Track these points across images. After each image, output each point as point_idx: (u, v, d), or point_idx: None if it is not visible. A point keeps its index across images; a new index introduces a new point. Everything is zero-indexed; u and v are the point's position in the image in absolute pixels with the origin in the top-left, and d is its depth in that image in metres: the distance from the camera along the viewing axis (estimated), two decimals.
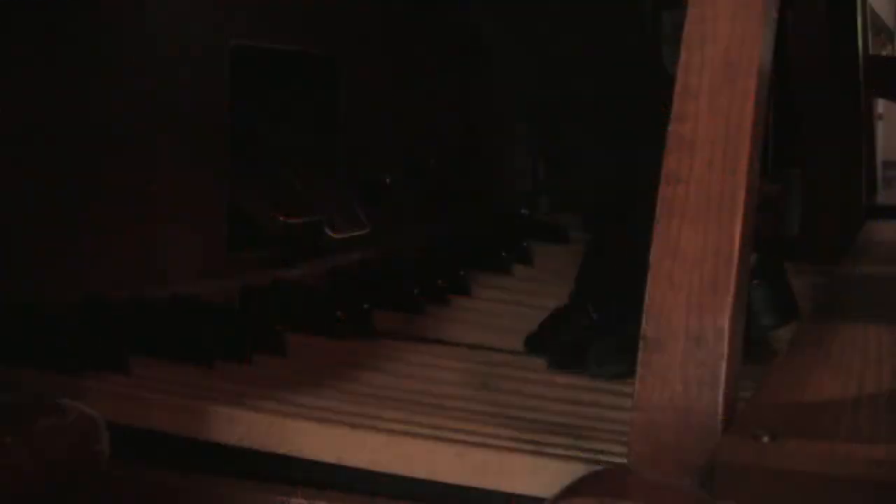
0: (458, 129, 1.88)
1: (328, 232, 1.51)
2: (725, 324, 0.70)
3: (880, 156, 3.18)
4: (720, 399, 0.69)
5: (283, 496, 0.84)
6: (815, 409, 0.75)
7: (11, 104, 1.12)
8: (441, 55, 1.80)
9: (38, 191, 1.15)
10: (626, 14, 1.18)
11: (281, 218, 1.44)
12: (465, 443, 0.85)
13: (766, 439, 0.65)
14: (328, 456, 0.86)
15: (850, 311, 1.20)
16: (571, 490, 0.68)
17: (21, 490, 0.69)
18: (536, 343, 1.20)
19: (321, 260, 1.48)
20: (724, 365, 0.70)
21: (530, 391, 1.06)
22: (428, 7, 1.72)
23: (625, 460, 0.71)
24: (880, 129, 3.52)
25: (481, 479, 0.83)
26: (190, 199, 1.34)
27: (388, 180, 1.62)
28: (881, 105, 3.63)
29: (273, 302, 1.29)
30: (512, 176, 2.03)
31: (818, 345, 0.96)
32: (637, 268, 0.99)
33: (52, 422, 0.73)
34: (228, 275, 1.37)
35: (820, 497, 0.63)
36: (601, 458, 0.83)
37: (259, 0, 1.46)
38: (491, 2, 1.16)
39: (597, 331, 1.14)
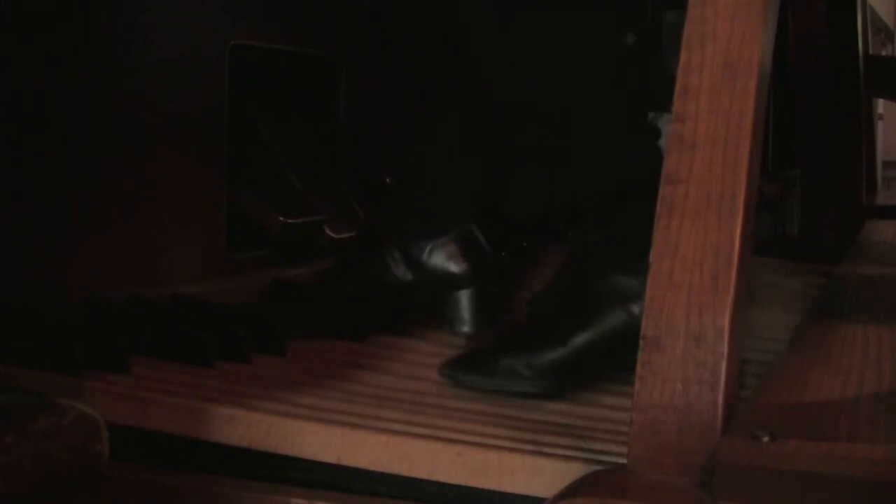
0: None
1: (328, 232, 1.51)
2: (725, 323, 0.70)
3: (880, 156, 3.18)
4: (720, 399, 0.69)
5: (283, 496, 0.84)
6: (815, 409, 0.75)
7: (12, 104, 1.12)
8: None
9: (39, 191, 1.15)
10: (623, 14, 1.18)
11: (281, 218, 1.44)
12: (465, 443, 0.85)
13: (766, 439, 0.65)
14: (328, 456, 0.86)
15: (850, 311, 1.20)
16: (571, 490, 0.68)
17: (21, 490, 0.69)
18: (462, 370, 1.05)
19: (321, 260, 1.48)
20: (724, 364, 0.70)
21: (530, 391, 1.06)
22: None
23: (625, 460, 0.71)
24: (880, 129, 3.52)
25: (481, 479, 0.83)
26: (190, 199, 1.34)
27: (388, 180, 1.62)
28: (881, 105, 3.64)
29: (273, 302, 1.29)
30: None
31: (818, 345, 0.96)
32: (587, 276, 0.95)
33: (52, 422, 0.73)
34: (228, 275, 1.37)
35: (820, 497, 0.63)
36: (601, 458, 0.83)
37: (259, 0, 1.46)
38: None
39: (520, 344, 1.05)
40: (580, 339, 0.99)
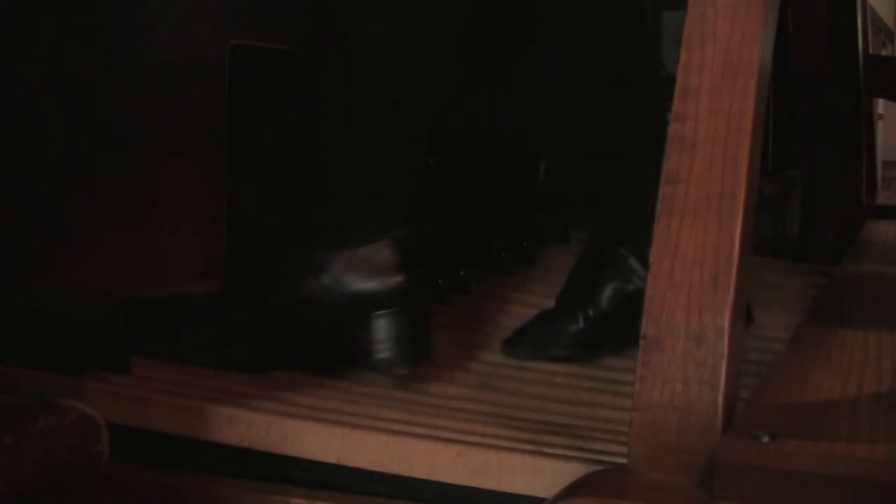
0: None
1: None
2: (725, 323, 0.70)
3: (880, 156, 3.18)
4: (720, 399, 0.69)
5: (283, 496, 0.84)
6: (815, 409, 0.75)
7: (12, 105, 1.12)
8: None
9: (39, 191, 1.15)
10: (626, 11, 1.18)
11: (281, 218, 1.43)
12: (465, 443, 0.85)
13: (766, 439, 0.65)
14: (328, 456, 0.86)
15: (850, 311, 1.20)
16: (571, 490, 0.68)
17: (21, 490, 0.69)
18: (514, 346, 1.17)
19: None
20: (724, 364, 0.70)
21: (530, 391, 1.06)
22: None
23: (625, 460, 0.71)
24: (880, 129, 3.52)
25: (481, 479, 0.83)
26: (190, 199, 1.34)
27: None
28: (881, 105, 3.64)
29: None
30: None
31: (818, 345, 0.96)
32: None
33: (52, 422, 0.73)
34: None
35: (820, 497, 0.63)
36: (601, 458, 0.83)
37: (259, 0, 1.46)
38: None
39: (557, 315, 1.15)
40: (595, 310, 1.13)
